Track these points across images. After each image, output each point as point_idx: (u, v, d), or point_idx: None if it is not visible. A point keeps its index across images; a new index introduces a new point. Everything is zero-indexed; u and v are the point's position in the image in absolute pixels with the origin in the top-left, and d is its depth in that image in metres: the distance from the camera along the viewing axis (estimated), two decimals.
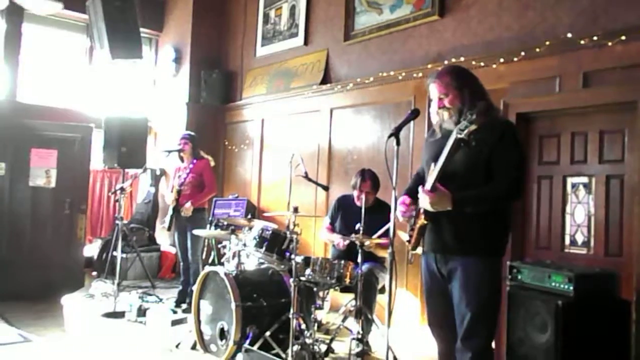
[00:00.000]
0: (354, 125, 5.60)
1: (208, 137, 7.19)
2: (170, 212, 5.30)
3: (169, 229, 5.42)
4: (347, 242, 4.11)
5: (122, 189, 5.44)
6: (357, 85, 5.49)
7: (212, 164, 5.81)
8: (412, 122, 3.53)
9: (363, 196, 4.13)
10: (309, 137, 6.11)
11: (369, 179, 4.27)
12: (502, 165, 2.43)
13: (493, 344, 2.58)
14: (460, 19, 4.65)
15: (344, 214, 4.43)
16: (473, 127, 2.30)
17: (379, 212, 4.00)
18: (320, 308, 4.22)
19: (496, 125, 2.49)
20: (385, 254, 3.78)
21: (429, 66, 4.71)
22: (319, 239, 5.66)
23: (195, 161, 5.41)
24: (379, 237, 3.95)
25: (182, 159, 5.51)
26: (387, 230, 3.12)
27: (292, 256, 3.61)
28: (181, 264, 5.50)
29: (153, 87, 8.15)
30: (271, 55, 6.85)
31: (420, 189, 2.47)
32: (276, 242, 4.03)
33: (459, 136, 2.33)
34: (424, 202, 2.43)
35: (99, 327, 4.73)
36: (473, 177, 2.46)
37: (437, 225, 2.52)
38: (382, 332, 3.89)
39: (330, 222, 4.56)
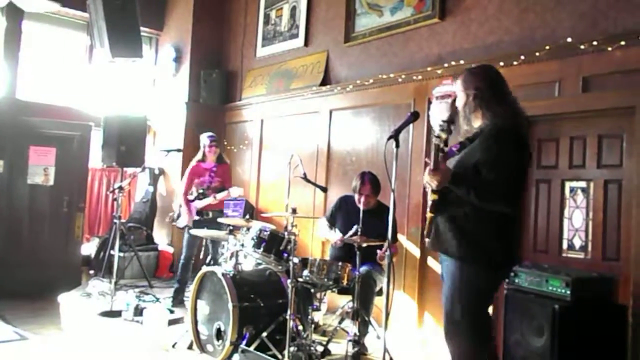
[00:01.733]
0: (353, 127, 5.60)
1: None
2: (195, 216, 5.42)
3: (183, 228, 5.48)
4: (344, 238, 4.11)
5: (120, 188, 5.43)
6: (357, 87, 5.49)
7: None
8: (411, 125, 3.53)
9: (363, 199, 4.13)
10: (308, 138, 6.11)
11: (369, 182, 4.22)
12: (483, 169, 2.46)
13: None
14: (461, 21, 4.65)
15: (345, 215, 4.40)
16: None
17: (379, 215, 3.99)
18: (318, 309, 4.21)
19: (491, 131, 2.52)
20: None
21: (429, 69, 4.72)
22: (317, 238, 5.66)
23: (218, 165, 5.51)
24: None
25: (204, 160, 5.56)
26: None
27: (290, 257, 3.61)
28: (182, 262, 5.50)
29: (153, 86, 8.15)
30: (271, 56, 6.85)
31: (427, 170, 2.48)
32: (274, 243, 4.01)
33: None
34: (432, 181, 2.46)
35: (96, 325, 4.72)
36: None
37: (435, 224, 2.61)
38: (378, 334, 3.89)
39: (326, 219, 4.54)
